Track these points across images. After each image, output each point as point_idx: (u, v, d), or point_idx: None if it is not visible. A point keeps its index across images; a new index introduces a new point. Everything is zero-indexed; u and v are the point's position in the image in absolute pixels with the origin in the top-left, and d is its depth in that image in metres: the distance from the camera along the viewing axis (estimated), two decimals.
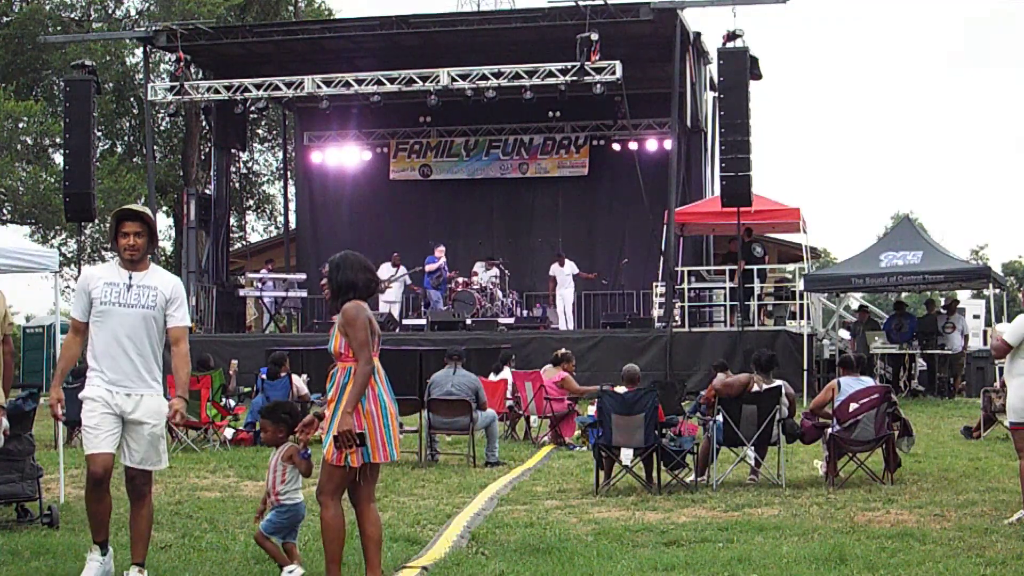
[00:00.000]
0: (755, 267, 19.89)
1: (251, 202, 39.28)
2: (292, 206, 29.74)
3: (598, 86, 20.25)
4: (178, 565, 6.51)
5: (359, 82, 21.69)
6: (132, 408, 5.91)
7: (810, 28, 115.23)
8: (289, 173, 30.56)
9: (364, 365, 5.56)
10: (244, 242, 36.14)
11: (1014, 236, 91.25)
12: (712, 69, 22.47)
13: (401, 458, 12.11)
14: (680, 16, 20.56)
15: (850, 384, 10.07)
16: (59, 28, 31.48)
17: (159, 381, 6.05)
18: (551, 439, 13.76)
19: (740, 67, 18.93)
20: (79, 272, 28.98)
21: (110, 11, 34.47)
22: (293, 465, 6.19)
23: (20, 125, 30.11)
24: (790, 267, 22.61)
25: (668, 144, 22.44)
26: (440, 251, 21.98)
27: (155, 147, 31.84)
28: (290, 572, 6.08)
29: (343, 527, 5.70)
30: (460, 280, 22.39)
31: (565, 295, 22.38)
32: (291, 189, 30.17)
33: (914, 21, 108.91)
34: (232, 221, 29.90)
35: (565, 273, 22.38)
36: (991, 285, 18.73)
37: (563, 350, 14.72)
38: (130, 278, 6.01)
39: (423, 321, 21.90)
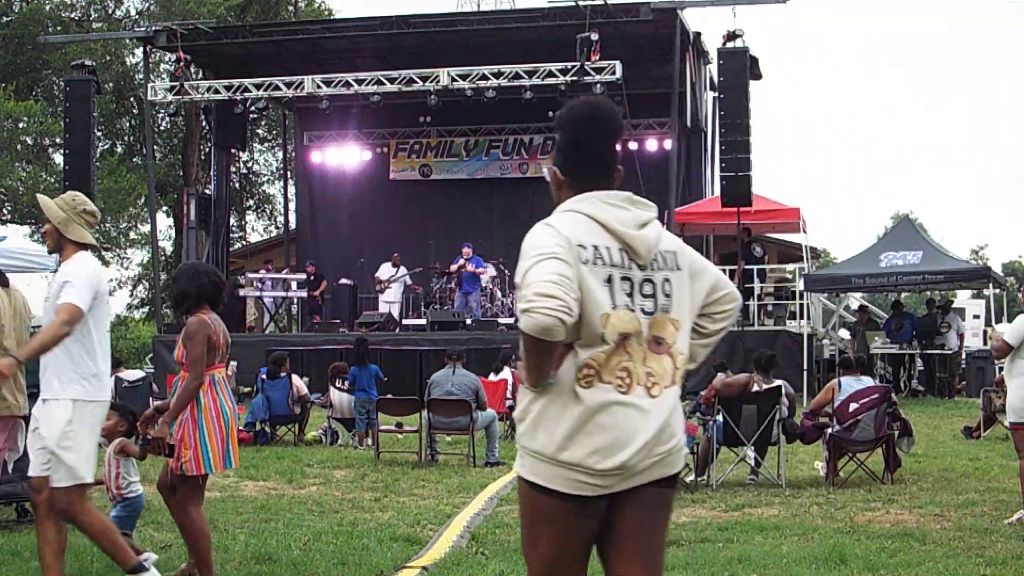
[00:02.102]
0: (755, 267, 19.89)
1: (251, 202, 39.31)
2: (292, 206, 29.74)
3: (598, 86, 20.21)
4: (178, 565, 6.51)
5: (359, 82, 21.68)
6: (38, 414, 5.48)
7: (810, 28, 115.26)
8: (289, 173, 30.55)
9: (192, 380, 5.73)
10: (244, 242, 36.15)
11: (1014, 236, 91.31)
12: (712, 69, 22.46)
13: (401, 458, 12.18)
14: (680, 16, 20.55)
15: (850, 384, 10.08)
16: (59, 28, 31.52)
17: (63, 383, 5.38)
18: None
19: (740, 67, 18.93)
20: None
21: (110, 11, 34.51)
22: (126, 457, 6.36)
23: (20, 125, 30.14)
24: (790, 267, 22.59)
25: (668, 144, 22.43)
26: (466, 251, 21.81)
27: (155, 147, 31.86)
28: (145, 559, 6.16)
29: (208, 530, 5.95)
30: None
31: None
32: (291, 189, 30.16)
33: (914, 21, 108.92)
34: (232, 221, 29.90)
35: None
36: (991, 285, 18.75)
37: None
38: (55, 272, 5.75)
39: (423, 321, 21.89)
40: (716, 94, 21.24)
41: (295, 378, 14.42)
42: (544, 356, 3.05)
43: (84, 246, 5.63)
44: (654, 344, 3.17)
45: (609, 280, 3.13)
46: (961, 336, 19.90)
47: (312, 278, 23.52)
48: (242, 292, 24.39)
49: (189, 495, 5.85)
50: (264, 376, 14.42)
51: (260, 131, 36.85)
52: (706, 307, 3.37)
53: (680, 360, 3.23)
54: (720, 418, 9.94)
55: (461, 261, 21.68)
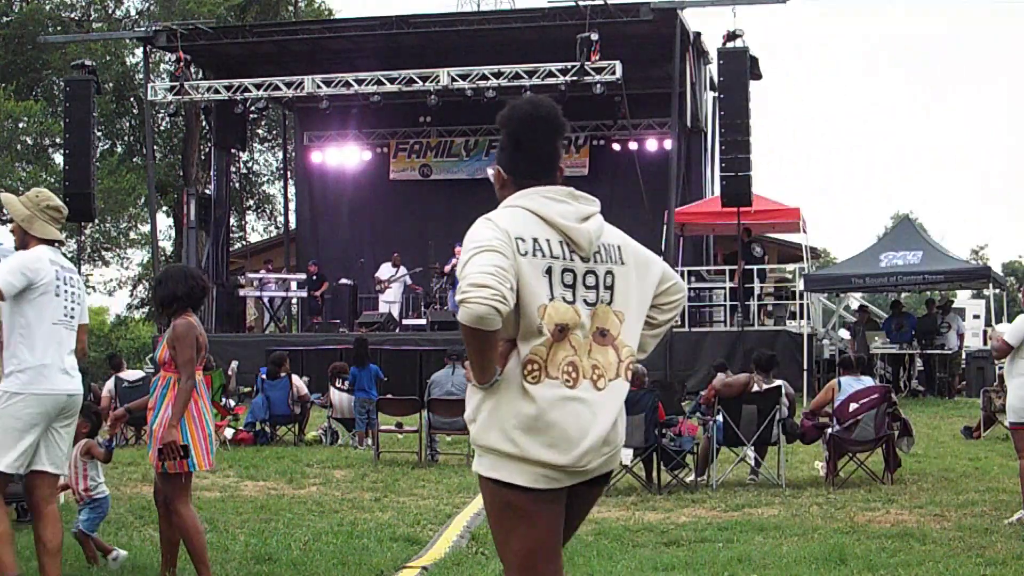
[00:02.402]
0: (755, 267, 19.89)
1: (251, 202, 39.29)
2: (292, 206, 29.74)
3: (598, 86, 20.22)
4: (178, 565, 6.51)
5: (359, 82, 21.67)
6: None
7: (810, 28, 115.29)
8: (289, 173, 30.55)
9: (187, 381, 5.82)
10: (244, 242, 36.15)
11: (1014, 236, 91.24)
12: (712, 69, 22.45)
13: (401, 458, 12.18)
14: (680, 16, 20.53)
15: (850, 384, 10.08)
16: (59, 28, 31.52)
17: (5, 374, 5.55)
18: None
19: (740, 67, 18.92)
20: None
21: (110, 11, 34.51)
22: (92, 459, 6.46)
23: (20, 125, 30.15)
24: (790, 267, 22.60)
25: (668, 144, 22.42)
26: (458, 251, 21.82)
27: (155, 147, 31.84)
28: (114, 558, 6.46)
29: (200, 527, 5.99)
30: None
31: None
32: (291, 189, 30.16)
33: (914, 21, 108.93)
34: (232, 221, 29.88)
35: None
36: (991, 285, 18.73)
37: None
38: None
39: (423, 321, 21.90)
40: (716, 94, 21.23)
41: (295, 378, 14.42)
42: (486, 349, 3.10)
43: (49, 242, 5.67)
44: (599, 336, 3.25)
45: (548, 272, 3.20)
46: (961, 336, 19.89)
47: (315, 278, 23.49)
48: (242, 292, 24.40)
49: (176, 494, 5.89)
50: (264, 376, 14.43)
51: (260, 131, 36.84)
52: (655, 298, 3.46)
53: (625, 352, 3.29)
54: (720, 418, 9.94)
55: (454, 261, 21.71)
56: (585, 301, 3.25)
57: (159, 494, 6.11)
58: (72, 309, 5.69)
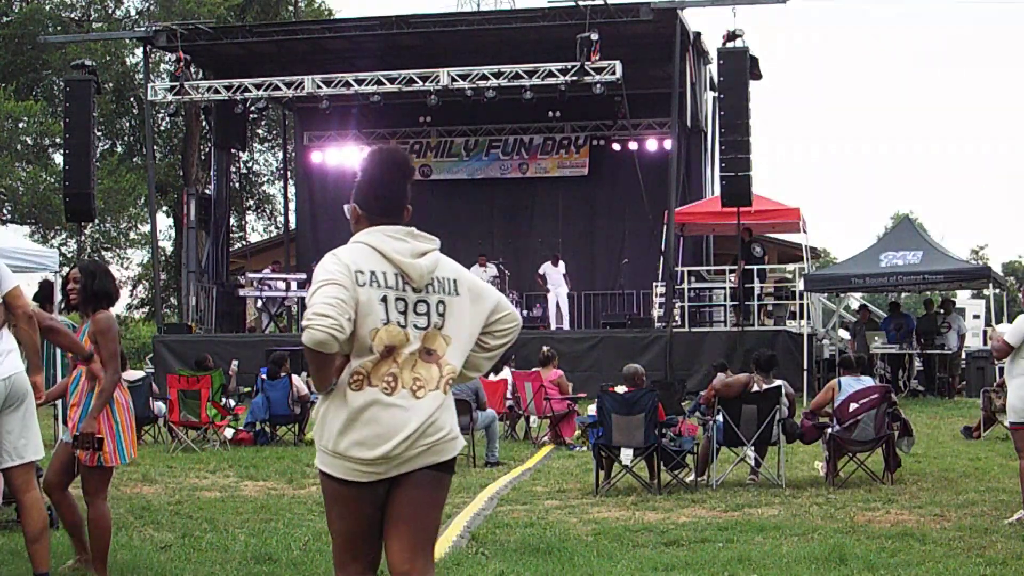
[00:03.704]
0: (755, 267, 19.89)
1: (251, 202, 39.31)
2: (292, 206, 29.74)
3: (598, 86, 20.23)
4: (178, 565, 6.51)
5: (359, 82, 21.68)
6: None
7: (810, 28, 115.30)
8: (289, 173, 30.55)
9: (112, 375, 5.86)
10: (244, 242, 36.16)
11: (1014, 236, 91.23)
12: (712, 69, 22.46)
13: None
14: (680, 16, 20.54)
15: (850, 384, 10.07)
16: (59, 28, 31.51)
17: None
18: (551, 439, 13.77)
19: (740, 67, 18.92)
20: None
21: (110, 11, 34.52)
22: None
23: (20, 125, 30.14)
24: (790, 267, 22.59)
25: (668, 144, 22.43)
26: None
27: (155, 147, 31.85)
28: None
29: (110, 526, 6.03)
30: None
31: (559, 293, 22.35)
32: (291, 189, 30.16)
33: (915, 20, 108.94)
34: (232, 221, 29.89)
35: (559, 272, 22.36)
36: (991, 285, 18.73)
37: (547, 348, 14.63)
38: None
39: None
40: (716, 94, 21.24)
41: (295, 378, 14.42)
42: (324, 365, 3.62)
43: None
44: (425, 354, 3.73)
45: (384, 300, 3.70)
46: (962, 336, 19.88)
47: None
48: (242, 292, 24.37)
49: (99, 488, 5.95)
50: (264, 376, 14.43)
51: (260, 131, 36.85)
52: (488, 326, 3.91)
53: (447, 370, 3.76)
54: (720, 418, 9.94)
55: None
56: (415, 325, 3.73)
57: (52, 487, 6.11)
58: None
